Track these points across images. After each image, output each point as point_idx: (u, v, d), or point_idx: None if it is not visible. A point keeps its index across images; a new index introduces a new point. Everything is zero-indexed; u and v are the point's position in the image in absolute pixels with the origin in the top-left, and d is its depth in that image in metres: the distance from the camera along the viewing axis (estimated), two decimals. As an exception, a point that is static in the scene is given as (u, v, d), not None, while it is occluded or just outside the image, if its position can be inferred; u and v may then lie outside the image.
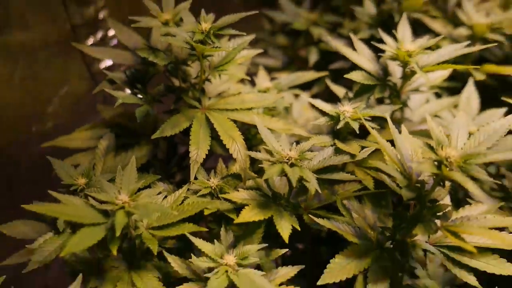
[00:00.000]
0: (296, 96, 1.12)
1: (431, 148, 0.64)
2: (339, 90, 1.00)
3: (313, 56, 1.24)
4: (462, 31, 1.08)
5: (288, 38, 1.38)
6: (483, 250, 0.74)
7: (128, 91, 0.95)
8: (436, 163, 0.63)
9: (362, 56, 0.90)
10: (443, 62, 0.86)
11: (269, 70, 1.34)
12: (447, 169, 0.61)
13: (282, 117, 1.00)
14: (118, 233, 0.65)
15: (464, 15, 1.09)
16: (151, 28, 0.99)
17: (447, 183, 0.67)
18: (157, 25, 0.87)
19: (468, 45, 0.87)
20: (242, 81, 1.08)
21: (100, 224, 0.69)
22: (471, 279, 0.71)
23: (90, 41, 1.26)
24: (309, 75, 1.05)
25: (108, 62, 1.32)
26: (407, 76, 0.87)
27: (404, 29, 0.88)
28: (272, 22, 1.42)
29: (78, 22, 1.20)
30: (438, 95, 1.09)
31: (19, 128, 1.18)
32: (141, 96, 0.90)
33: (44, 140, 1.22)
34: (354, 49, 0.93)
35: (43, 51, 1.16)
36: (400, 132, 0.76)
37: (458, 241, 0.67)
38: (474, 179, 0.63)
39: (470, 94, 0.99)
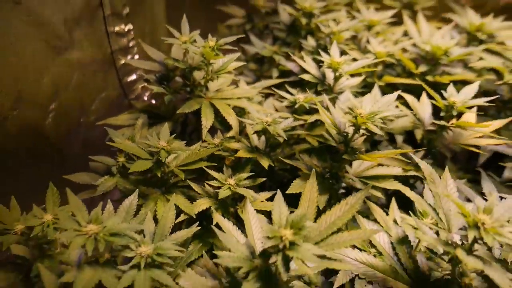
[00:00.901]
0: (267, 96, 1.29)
1: (351, 109, 0.84)
2: (294, 91, 1.19)
3: (274, 74, 1.42)
4: (370, 56, 1.30)
5: (256, 64, 1.56)
6: (386, 178, 0.94)
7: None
8: (353, 117, 0.82)
9: (309, 65, 1.10)
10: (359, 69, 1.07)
11: (247, 84, 1.52)
12: (360, 120, 0.81)
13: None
14: (163, 160, 0.80)
15: (370, 46, 1.31)
16: (170, 47, 1.15)
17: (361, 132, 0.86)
18: (178, 43, 1.03)
19: (369, 66, 1.09)
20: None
21: (149, 159, 0.84)
22: (377, 193, 0.90)
23: (123, 60, 1.40)
24: (273, 81, 1.23)
25: (133, 77, 1.46)
26: (337, 78, 1.07)
27: (334, 49, 1.08)
28: (245, 53, 1.60)
29: (115, 48, 1.34)
30: (355, 97, 1.30)
31: (72, 120, 1.28)
32: (167, 89, 1.07)
33: (89, 129, 1.32)
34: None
35: (91, 66, 1.27)
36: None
37: (367, 159, 0.85)
38: (376, 126, 0.83)
39: (376, 92, 1.20)
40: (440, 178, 0.72)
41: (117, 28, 1.33)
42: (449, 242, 0.62)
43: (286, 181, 1.07)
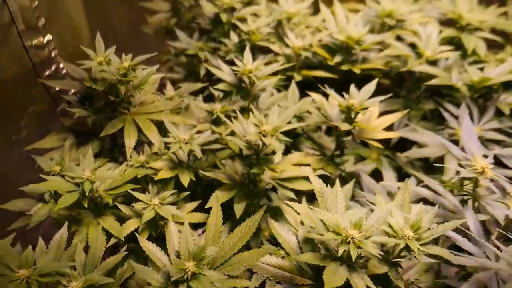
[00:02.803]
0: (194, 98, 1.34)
1: (256, 125, 0.92)
2: (216, 92, 1.25)
3: (202, 71, 1.46)
4: (289, 50, 1.37)
5: (187, 58, 1.59)
6: (298, 179, 1.05)
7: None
8: (259, 134, 0.91)
9: (225, 73, 1.16)
10: (273, 73, 1.15)
11: (175, 81, 1.55)
12: (265, 137, 0.90)
13: (183, 113, 1.23)
14: (87, 194, 0.86)
15: (289, 40, 1.38)
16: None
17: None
18: (95, 65, 1.06)
19: (290, 59, 1.17)
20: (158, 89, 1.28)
21: (75, 191, 0.90)
22: (290, 194, 1.00)
23: (47, 72, 1.39)
24: (198, 85, 1.29)
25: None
26: (252, 83, 1.14)
27: (247, 56, 1.14)
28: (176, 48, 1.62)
29: (37, 61, 1.34)
30: (278, 90, 1.38)
31: (2, 139, 1.30)
32: (89, 110, 1.10)
33: (22, 146, 1.34)
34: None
35: (15, 82, 1.27)
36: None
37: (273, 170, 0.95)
38: (281, 140, 0.92)
39: (293, 89, 1.28)
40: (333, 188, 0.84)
41: (35, 41, 1.31)
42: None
43: (216, 184, 1.16)
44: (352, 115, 1.02)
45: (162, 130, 1.14)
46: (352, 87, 1.09)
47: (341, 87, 1.46)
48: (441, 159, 1.19)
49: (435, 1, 1.64)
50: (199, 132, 1.05)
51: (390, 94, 1.39)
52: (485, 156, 0.98)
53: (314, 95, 1.14)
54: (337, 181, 0.85)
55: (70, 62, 1.39)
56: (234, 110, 1.10)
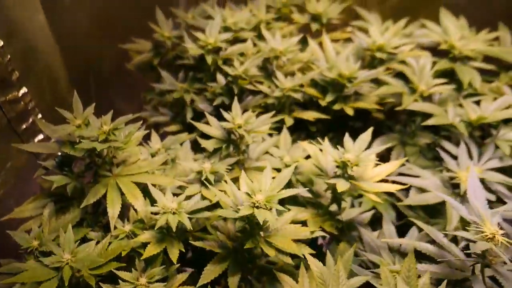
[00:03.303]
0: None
1: (249, 195, 0.86)
2: (206, 143, 1.17)
3: (189, 114, 1.39)
4: (278, 91, 1.31)
5: (172, 97, 1.52)
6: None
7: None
8: (251, 204, 0.85)
9: (213, 127, 1.09)
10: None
11: (161, 125, 1.49)
12: (257, 209, 0.83)
13: (169, 167, 1.16)
14: (66, 283, 0.79)
15: (277, 81, 1.32)
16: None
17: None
18: (73, 129, 0.99)
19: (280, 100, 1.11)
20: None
21: (53, 277, 0.83)
22: (287, 259, 0.93)
23: (24, 125, 1.32)
24: (184, 137, 1.22)
25: (40, 137, 1.39)
26: (241, 137, 1.08)
27: (236, 109, 1.08)
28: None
29: (12, 115, 1.26)
30: (270, 135, 1.31)
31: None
32: (69, 176, 1.03)
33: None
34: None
35: None
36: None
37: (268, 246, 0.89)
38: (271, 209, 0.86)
39: (285, 136, 1.22)
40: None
41: (9, 96, 1.24)
42: None
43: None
44: (349, 171, 0.96)
45: (148, 191, 1.07)
46: (347, 138, 1.03)
47: (335, 126, 1.41)
48: (442, 204, 1.14)
49: (424, 28, 1.60)
50: (188, 197, 0.98)
51: (384, 135, 1.36)
52: (491, 204, 0.93)
53: (307, 147, 1.08)
54: (339, 261, 0.79)
55: (49, 113, 1.31)
56: (225, 169, 1.03)
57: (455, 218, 1.07)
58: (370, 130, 1.04)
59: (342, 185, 0.93)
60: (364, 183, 0.97)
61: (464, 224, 0.94)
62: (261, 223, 0.81)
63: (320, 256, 0.87)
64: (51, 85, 1.42)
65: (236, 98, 1.10)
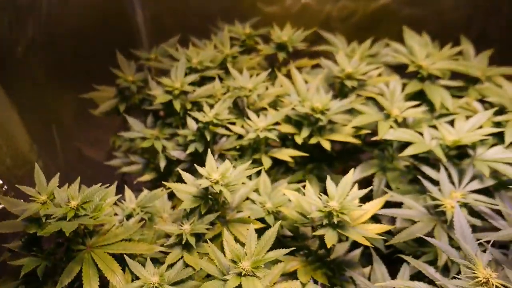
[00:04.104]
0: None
1: (234, 262, 0.81)
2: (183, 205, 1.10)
3: (162, 163, 1.34)
4: (252, 133, 1.26)
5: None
6: None
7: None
8: (238, 275, 0.80)
9: (188, 185, 1.04)
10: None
11: (134, 176, 1.42)
12: (245, 277, 0.79)
13: (147, 229, 1.10)
14: None
15: (250, 122, 1.28)
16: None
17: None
18: (38, 207, 0.92)
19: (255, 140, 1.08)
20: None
21: None
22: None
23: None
24: (160, 193, 1.16)
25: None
26: (220, 192, 1.03)
27: (210, 161, 1.03)
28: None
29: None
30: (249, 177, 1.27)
31: None
32: (38, 255, 0.96)
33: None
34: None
35: None
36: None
37: None
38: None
39: (264, 181, 1.18)
40: None
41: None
42: None
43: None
44: (335, 220, 0.93)
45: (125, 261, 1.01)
46: (328, 182, 1.01)
47: (314, 156, 1.38)
48: (431, 232, 1.12)
49: (389, 47, 1.61)
50: (169, 266, 0.92)
51: (364, 162, 1.35)
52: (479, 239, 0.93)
53: (288, 193, 1.04)
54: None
55: (10, 176, 1.23)
56: (206, 228, 0.99)
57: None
58: (351, 172, 1.02)
59: (330, 238, 0.90)
60: (352, 231, 0.94)
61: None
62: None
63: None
64: (9, 147, 1.34)
65: (210, 151, 1.05)
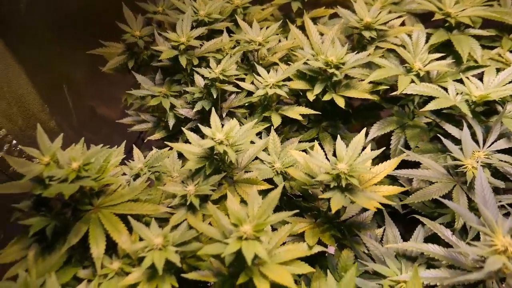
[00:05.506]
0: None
1: (235, 225, 0.79)
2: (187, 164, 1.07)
3: (171, 122, 1.31)
4: (261, 89, 1.20)
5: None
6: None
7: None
8: (240, 239, 0.78)
9: (193, 145, 1.01)
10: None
11: (143, 133, 1.41)
12: (246, 241, 0.77)
13: (154, 189, 1.09)
14: None
15: (260, 77, 1.21)
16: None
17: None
18: (42, 168, 0.91)
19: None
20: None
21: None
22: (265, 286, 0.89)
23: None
24: (167, 152, 1.14)
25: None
26: (224, 153, 1.00)
27: (214, 120, 0.99)
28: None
29: (-17, 148, 1.19)
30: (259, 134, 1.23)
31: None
32: (47, 215, 0.97)
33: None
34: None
35: None
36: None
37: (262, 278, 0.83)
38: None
39: (274, 139, 1.14)
40: None
41: (-24, 129, 1.16)
42: None
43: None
44: (343, 183, 0.88)
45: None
46: (338, 142, 0.95)
47: (329, 113, 1.32)
48: (449, 194, 1.07)
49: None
50: (174, 227, 0.92)
51: (382, 119, 1.27)
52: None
53: (296, 154, 1.00)
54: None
55: (23, 137, 1.24)
56: (211, 189, 0.96)
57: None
58: (363, 132, 0.95)
59: (337, 202, 0.86)
60: (360, 195, 0.89)
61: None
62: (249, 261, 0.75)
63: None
64: (20, 107, 1.33)
65: (213, 109, 1.01)
